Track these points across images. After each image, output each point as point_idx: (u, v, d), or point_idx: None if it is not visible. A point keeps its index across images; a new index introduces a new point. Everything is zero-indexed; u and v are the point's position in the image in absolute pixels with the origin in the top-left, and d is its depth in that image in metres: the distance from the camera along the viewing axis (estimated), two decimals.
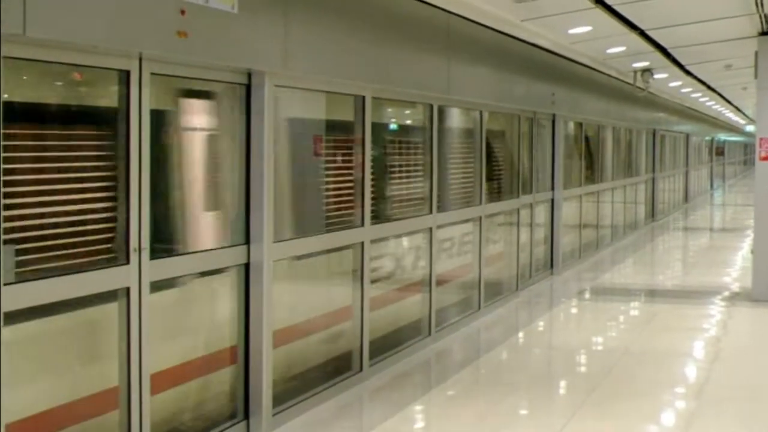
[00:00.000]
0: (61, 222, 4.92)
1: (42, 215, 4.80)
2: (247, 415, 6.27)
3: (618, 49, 13.02)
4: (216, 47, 5.54)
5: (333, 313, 7.58)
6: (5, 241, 4.22)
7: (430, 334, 8.99)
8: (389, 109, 8.86)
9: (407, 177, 8.93)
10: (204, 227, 6.25)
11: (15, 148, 4.53)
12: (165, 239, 5.68)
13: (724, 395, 7.58)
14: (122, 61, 5.06)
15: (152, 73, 5.24)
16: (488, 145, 10.59)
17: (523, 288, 12.20)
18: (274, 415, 6.36)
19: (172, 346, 5.82)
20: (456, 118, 10.12)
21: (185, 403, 5.96)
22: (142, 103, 5.17)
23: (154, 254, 5.30)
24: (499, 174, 11.41)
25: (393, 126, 9.19)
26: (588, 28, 10.83)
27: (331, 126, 7.71)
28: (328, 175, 7.51)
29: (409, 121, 9.65)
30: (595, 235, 16.74)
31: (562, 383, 8.22)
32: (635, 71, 16.14)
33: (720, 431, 6.70)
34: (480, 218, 10.34)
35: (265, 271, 6.22)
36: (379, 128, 8.21)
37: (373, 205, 7.74)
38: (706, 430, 6.74)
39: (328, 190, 7.51)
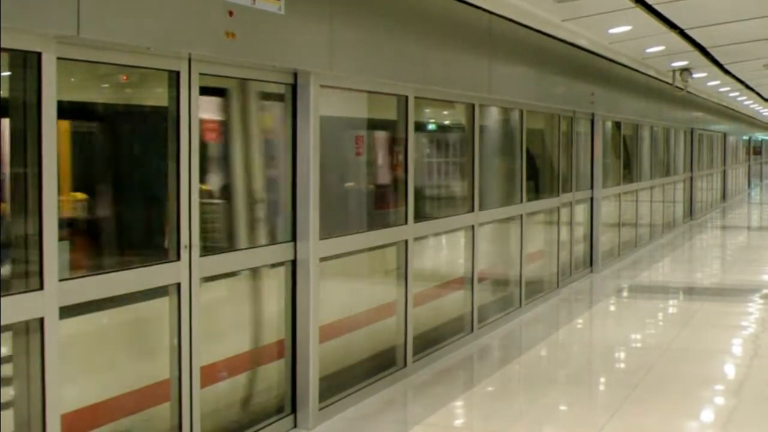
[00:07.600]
0: (115, 219, 5.04)
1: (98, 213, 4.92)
2: (294, 409, 6.36)
3: (657, 49, 13.02)
4: (263, 47, 5.63)
5: (377, 309, 7.65)
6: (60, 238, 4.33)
7: (472, 330, 9.05)
8: (427, 110, 8.92)
9: (449, 175, 8.99)
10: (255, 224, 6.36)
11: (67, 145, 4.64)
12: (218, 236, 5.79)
13: (763, 392, 7.59)
14: (172, 62, 5.14)
15: (201, 74, 5.32)
16: (528, 144, 10.62)
17: (564, 285, 12.23)
18: (320, 409, 6.45)
19: (222, 340, 5.92)
20: (496, 117, 10.16)
21: (234, 396, 6.07)
22: (192, 102, 5.25)
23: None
24: (539, 172, 11.44)
25: (432, 125, 9.26)
26: (628, 28, 10.85)
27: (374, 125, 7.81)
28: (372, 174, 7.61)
29: (448, 121, 9.71)
30: (633, 234, 16.71)
31: (603, 380, 8.25)
32: (674, 71, 16.11)
33: (760, 428, 6.70)
34: (521, 216, 10.38)
35: (312, 268, 6.30)
36: (422, 127, 8.27)
37: (416, 203, 7.81)
38: (746, 427, 6.75)
39: (372, 188, 7.60)
